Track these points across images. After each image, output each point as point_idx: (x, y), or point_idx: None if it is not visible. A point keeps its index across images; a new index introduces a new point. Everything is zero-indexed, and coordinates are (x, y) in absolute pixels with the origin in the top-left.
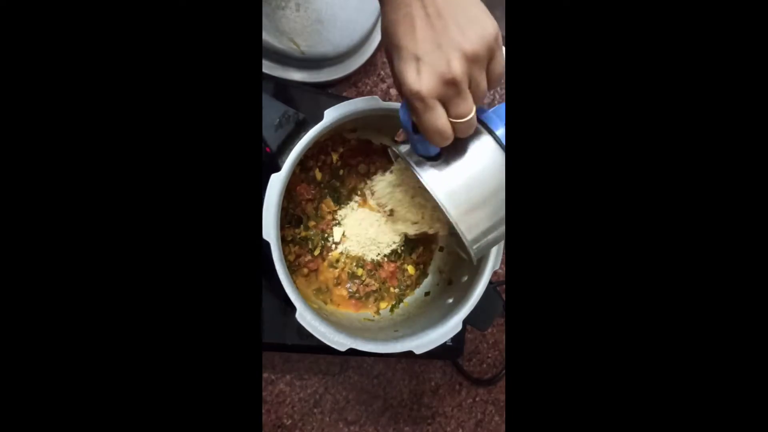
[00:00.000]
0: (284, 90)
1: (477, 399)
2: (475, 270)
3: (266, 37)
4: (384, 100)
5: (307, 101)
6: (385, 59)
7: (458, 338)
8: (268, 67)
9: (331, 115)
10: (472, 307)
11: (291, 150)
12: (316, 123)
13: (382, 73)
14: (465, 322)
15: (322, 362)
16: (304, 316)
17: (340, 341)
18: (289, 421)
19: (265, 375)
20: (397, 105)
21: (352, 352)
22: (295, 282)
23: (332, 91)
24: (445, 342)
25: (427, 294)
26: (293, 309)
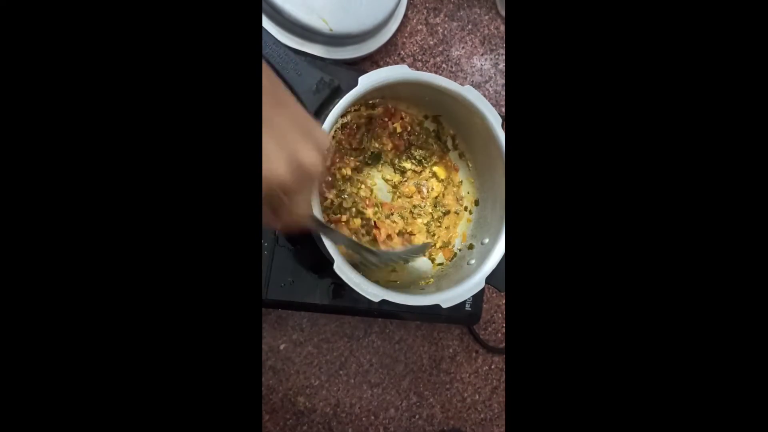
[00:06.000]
0: (313, 63)
1: (492, 367)
2: (497, 232)
3: (297, 13)
4: None
5: (336, 73)
6: (404, 39)
7: (477, 304)
8: (297, 43)
9: (365, 81)
10: (494, 266)
11: (328, 114)
12: (348, 91)
13: (402, 52)
14: (487, 281)
15: (347, 326)
16: (341, 268)
17: (373, 292)
18: (317, 382)
19: (294, 337)
20: (423, 74)
21: (380, 314)
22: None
23: (356, 68)
24: (465, 307)
25: (451, 258)
26: (324, 273)
